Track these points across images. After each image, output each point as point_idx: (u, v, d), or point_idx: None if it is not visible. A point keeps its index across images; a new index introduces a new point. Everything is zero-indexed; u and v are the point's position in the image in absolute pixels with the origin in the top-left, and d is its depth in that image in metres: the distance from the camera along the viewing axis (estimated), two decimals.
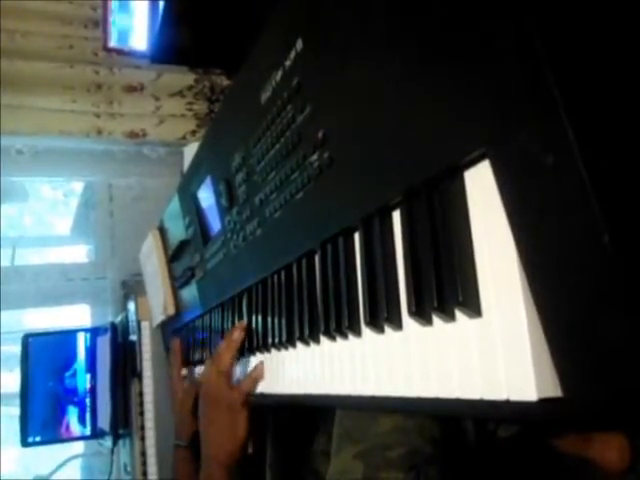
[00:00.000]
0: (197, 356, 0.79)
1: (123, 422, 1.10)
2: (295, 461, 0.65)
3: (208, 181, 0.66)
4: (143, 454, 1.03)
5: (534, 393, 0.25)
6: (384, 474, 0.38)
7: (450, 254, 0.30)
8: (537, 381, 0.25)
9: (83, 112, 1.32)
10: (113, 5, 1.34)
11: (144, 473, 1.03)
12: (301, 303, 0.46)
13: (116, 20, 1.34)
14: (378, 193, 0.35)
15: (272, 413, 0.70)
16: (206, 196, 0.68)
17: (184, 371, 0.84)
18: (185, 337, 0.87)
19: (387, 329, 0.35)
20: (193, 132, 1.41)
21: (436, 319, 0.31)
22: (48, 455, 1.29)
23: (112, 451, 1.14)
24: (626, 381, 0.22)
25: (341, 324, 0.40)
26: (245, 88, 0.53)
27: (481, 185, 0.28)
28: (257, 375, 0.56)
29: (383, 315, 0.35)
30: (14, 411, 1.16)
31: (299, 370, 0.47)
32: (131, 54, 1.36)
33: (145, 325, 1.08)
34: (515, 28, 0.25)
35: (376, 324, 0.36)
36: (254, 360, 0.58)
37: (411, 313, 0.32)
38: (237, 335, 0.59)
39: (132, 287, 1.26)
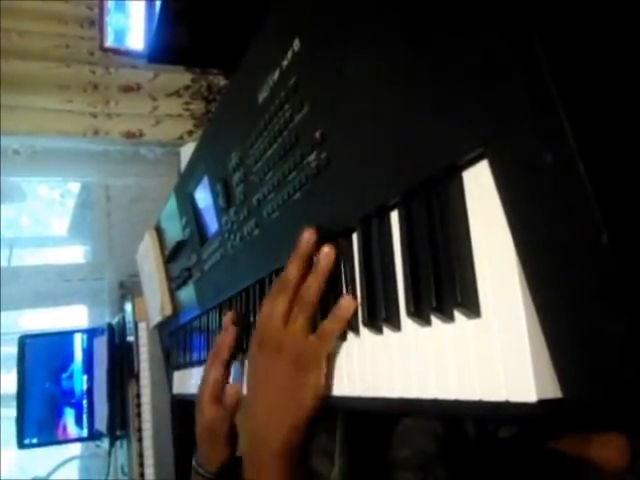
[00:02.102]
0: (194, 357, 0.79)
1: (120, 424, 1.10)
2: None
3: (205, 181, 0.65)
4: (140, 456, 1.03)
5: (533, 394, 0.25)
6: (393, 474, 0.38)
7: (449, 254, 0.30)
8: (536, 382, 0.25)
9: (80, 112, 1.32)
10: (109, 4, 1.34)
11: (141, 475, 1.03)
12: None
13: (112, 20, 1.34)
14: (376, 193, 0.35)
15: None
16: (203, 196, 0.68)
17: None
18: (182, 338, 0.87)
19: (385, 330, 0.35)
20: (190, 132, 1.41)
21: (435, 320, 0.31)
22: (45, 456, 1.28)
23: (109, 453, 1.13)
24: (626, 381, 0.22)
25: None
26: (242, 88, 0.53)
27: (479, 185, 0.28)
28: (345, 311, 0.37)
29: (381, 315, 0.35)
30: (13, 412, 1.16)
31: None
32: (128, 54, 1.36)
33: (142, 326, 1.08)
34: (513, 27, 0.24)
35: (374, 324, 0.36)
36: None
37: (409, 314, 0.32)
38: (327, 257, 0.39)
39: (129, 288, 1.25)
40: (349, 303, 0.37)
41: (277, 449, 0.37)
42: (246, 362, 0.45)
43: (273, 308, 0.40)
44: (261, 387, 0.40)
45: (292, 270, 0.40)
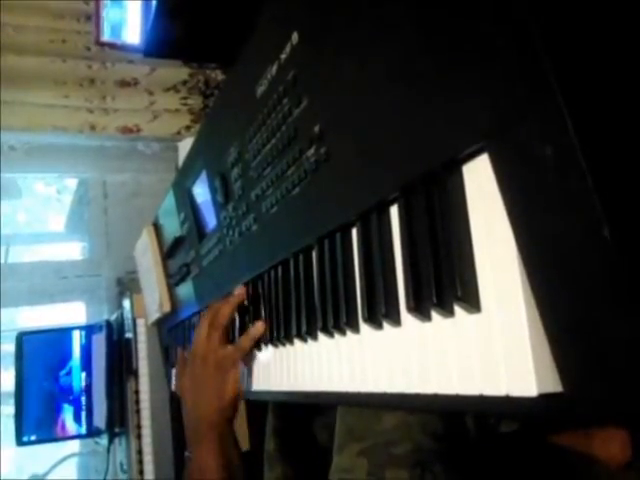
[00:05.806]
0: None
1: (119, 420, 1.10)
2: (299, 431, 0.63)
3: (203, 176, 0.65)
4: (139, 452, 1.03)
5: (534, 388, 0.24)
6: (389, 471, 0.38)
7: (449, 249, 0.29)
8: (537, 376, 0.24)
9: (76, 107, 1.31)
10: None
11: (141, 472, 1.03)
12: (298, 299, 0.46)
13: (109, 14, 1.33)
14: (375, 188, 0.35)
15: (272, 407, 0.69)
16: (201, 192, 0.68)
17: None
18: (181, 335, 0.87)
19: (385, 325, 0.35)
20: (188, 127, 1.40)
21: (435, 315, 0.31)
22: (44, 454, 1.28)
23: (108, 450, 1.13)
24: (627, 376, 0.22)
25: (339, 320, 0.39)
26: (240, 82, 0.53)
27: (480, 179, 0.28)
28: (256, 332, 0.53)
29: (381, 311, 0.34)
30: (11, 410, 1.16)
31: (297, 367, 0.47)
32: (124, 48, 1.35)
33: (141, 322, 1.08)
34: (513, 21, 0.24)
35: (374, 320, 0.36)
36: (256, 356, 0.58)
37: (410, 309, 0.32)
38: (239, 291, 0.57)
39: (127, 284, 1.25)
40: (260, 326, 0.53)
41: (210, 422, 0.54)
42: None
43: (201, 329, 0.57)
44: (194, 388, 0.57)
45: (218, 302, 0.59)
